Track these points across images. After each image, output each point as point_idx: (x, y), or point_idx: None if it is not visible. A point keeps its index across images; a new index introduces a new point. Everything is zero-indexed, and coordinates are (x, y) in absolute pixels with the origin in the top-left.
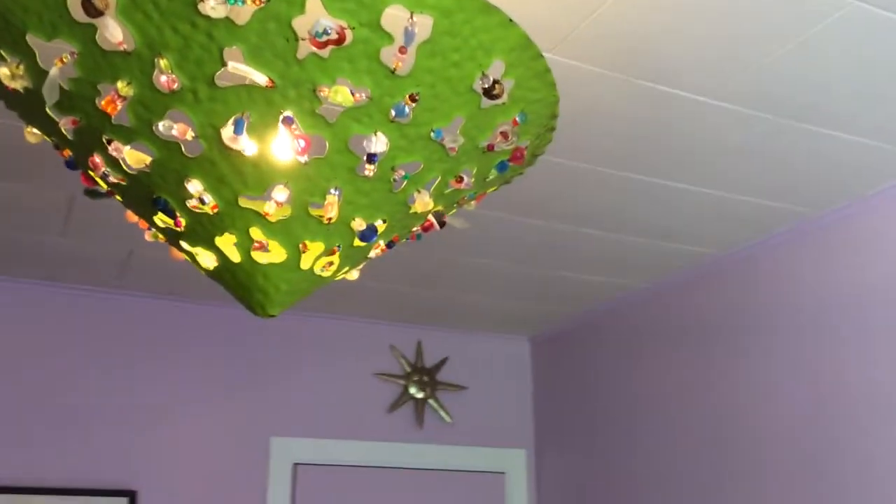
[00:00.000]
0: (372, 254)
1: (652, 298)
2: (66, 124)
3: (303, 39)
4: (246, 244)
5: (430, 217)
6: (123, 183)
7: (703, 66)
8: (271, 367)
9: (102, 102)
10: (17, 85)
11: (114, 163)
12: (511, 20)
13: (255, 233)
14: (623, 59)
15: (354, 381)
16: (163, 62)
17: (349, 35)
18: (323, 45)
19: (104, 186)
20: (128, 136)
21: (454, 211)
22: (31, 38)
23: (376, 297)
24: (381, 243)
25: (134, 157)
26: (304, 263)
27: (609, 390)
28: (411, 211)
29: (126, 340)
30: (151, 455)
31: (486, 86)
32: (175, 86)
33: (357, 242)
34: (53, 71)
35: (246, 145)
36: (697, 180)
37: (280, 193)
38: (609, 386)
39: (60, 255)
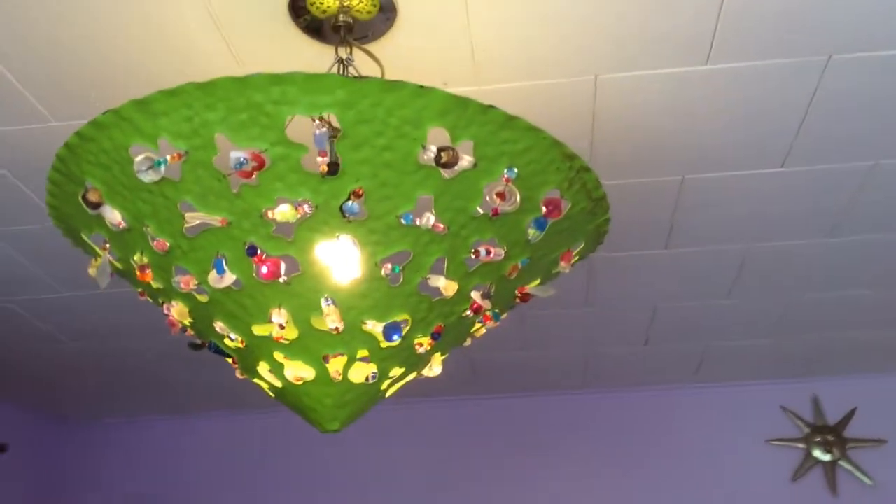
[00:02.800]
0: (421, 350)
1: None
2: (141, 296)
3: (229, 175)
4: (278, 369)
5: (475, 298)
6: (194, 334)
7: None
8: (652, 445)
9: (137, 274)
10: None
11: (177, 320)
12: (423, 87)
13: (280, 357)
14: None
15: (746, 451)
16: (150, 229)
17: (266, 157)
18: (249, 174)
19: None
20: (168, 296)
21: (537, 282)
22: (84, 235)
23: (753, 356)
24: (423, 337)
25: (177, 312)
26: (335, 376)
27: None
28: (438, 298)
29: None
30: None
31: (433, 156)
32: (166, 246)
33: (385, 343)
34: (103, 257)
35: (230, 281)
36: None
37: (278, 316)
38: None
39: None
